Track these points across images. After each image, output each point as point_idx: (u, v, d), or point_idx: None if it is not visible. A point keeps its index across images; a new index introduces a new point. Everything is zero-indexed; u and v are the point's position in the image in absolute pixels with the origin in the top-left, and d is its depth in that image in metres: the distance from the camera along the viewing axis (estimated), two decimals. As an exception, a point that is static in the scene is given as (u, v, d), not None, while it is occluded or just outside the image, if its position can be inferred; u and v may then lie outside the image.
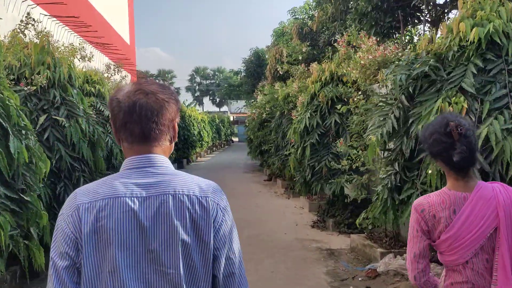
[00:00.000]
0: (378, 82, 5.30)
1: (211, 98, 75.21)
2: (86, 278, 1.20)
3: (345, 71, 6.24)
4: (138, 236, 1.22)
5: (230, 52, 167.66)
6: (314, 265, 5.31)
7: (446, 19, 8.04)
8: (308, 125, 6.70)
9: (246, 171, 16.89)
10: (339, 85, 6.70)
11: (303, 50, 11.74)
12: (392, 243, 5.21)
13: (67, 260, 1.21)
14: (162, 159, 1.32)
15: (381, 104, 3.95)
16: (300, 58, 11.83)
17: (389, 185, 3.67)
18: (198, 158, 24.75)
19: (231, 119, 47.82)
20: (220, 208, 1.30)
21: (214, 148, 32.13)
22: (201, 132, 23.44)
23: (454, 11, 8.13)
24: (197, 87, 76.02)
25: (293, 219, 8.04)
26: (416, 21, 7.81)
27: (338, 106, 5.74)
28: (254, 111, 14.43)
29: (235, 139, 45.85)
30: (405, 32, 8.58)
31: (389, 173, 3.75)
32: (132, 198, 1.24)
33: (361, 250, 5.56)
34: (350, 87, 5.97)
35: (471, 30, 3.35)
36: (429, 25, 8.54)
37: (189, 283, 1.26)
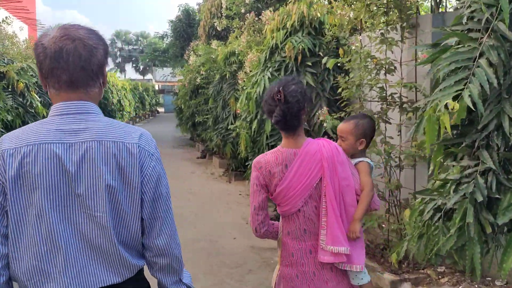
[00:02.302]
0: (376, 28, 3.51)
1: (134, 65, 70.33)
2: (12, 221, 1.24)
3: (333, 7, 4.34)
4: (63, 181, 1.24)
5: (155, 17, 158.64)
6: (289, 298, 3.53)
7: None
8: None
9: (175, 146, 14.68)
10: (311, 34, 4.84)
11: (246, 1, 9.67)
12: (404, 264, 3.58)
13: None
14: (90, 105, 1.31)
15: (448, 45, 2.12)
16: (242, 11, 9.74)
17: (474, 196, 1.91)
18: (119, 130, 21.88)
19: (157, 87, 44.43)
20: (148, 154, 1.31)
21: (138, 119, 29.13)
22: (122, 101, 20.58)
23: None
24: (118, 53, 70.49)
25: (241, 212, 6.19)
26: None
27: (323, 60, 3.86)
28: (184, 76, 12.16)
29: (161, 109, 42.79)
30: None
31: (468, 172, 1.99)
32: (57, 144, 1.24)
33: (351, 268, 3.90)
34: (333, 34, 4.10)
35: None
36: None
37: (118, 225, 1.28)
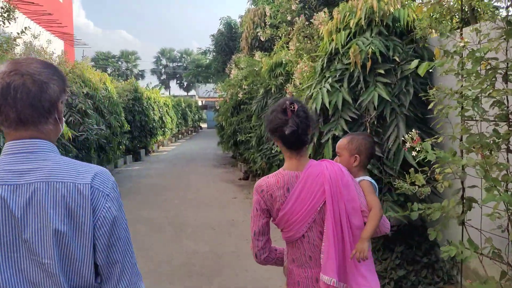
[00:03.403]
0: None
1: (178, 81, 71.48)
2: None
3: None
4: (9, 226, 1.17)
5: (200, 34, 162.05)
6: None
7: None
8: (328, 105, 3.77)
9: (216, 165, 13.87)
10: (383, 34, 3.79)
11: (293, 7, 8.74)
12: None
13: None
14: (41, 143, 1.26)
15: None
16: (288, 18, 8.83)
17: None
18: (160, 147, 21.55)
19: (200, 103, 44.46)
20: (103, 195, 1.24)
21: (180, 136, 28.89)
22: (164, 118, 20.21)
23: None
24: (163, 70, 71.97)
25: (291, 253, 5.14)
26: None
27: (411, 64, 2.74)
28: (224, 93, 11.37)
29: (204, 125, 42.70)
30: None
31: None
32: (3, 186, 1.18)
33: None
34: (431, 26, 3.00)
35: None
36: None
37: (68, 271, 1.21)
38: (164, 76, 72.04)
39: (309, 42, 5.90)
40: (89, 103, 8.50)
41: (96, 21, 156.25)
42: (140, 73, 69.17)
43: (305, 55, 5.57)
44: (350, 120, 3.72)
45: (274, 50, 7.49)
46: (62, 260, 1.18)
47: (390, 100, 3.59)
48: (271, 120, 1.91)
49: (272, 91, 7.23)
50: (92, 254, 1.21)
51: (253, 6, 12.71)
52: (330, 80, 3.89)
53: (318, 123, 3.97)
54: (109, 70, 60.38)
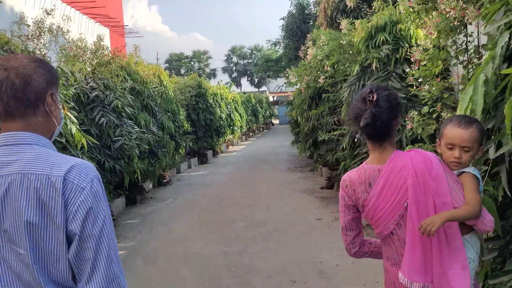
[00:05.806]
0: None
1: (249, 78, 70.46)
2: None
3: None
4: None
5: (268, 30, 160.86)
6: None
7: None
8: None
9: (291, 168, 11.71)
10: None
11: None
12: None
13: None
14: (26, 136, 1.26)
15: None
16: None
17: None
18: (230, 147, 19.89)
19: (271, 99, 42.60)
20: (78, 188, 1.21)
21: (251, 134, 27.19)
22: (232, 115, 18.48)
23: None
24: (234, 68, 71.41)
25: None
26: None
27: None
28: (298, 81, 9.15)
29: (276, 121, 40.80)
30: None
31: None
32: None
33: None
34: None
35: None
36: None
37: (46, 265, 1.21)
38: (235, 74, 71.42)
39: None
40: (129, 99, 6.76)
41: (172, 25, 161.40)
42: (211, 72, 69.20)
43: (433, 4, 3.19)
44: None
45: (373, 7, 5.13)
46: (36, 252, 1.18)
47: None
48: (352, 108, 1.78)
49: (373, 67, 4.89)
50: (66, 248, 1.18)
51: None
52: None
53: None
54: (182, 71, 60.93)
